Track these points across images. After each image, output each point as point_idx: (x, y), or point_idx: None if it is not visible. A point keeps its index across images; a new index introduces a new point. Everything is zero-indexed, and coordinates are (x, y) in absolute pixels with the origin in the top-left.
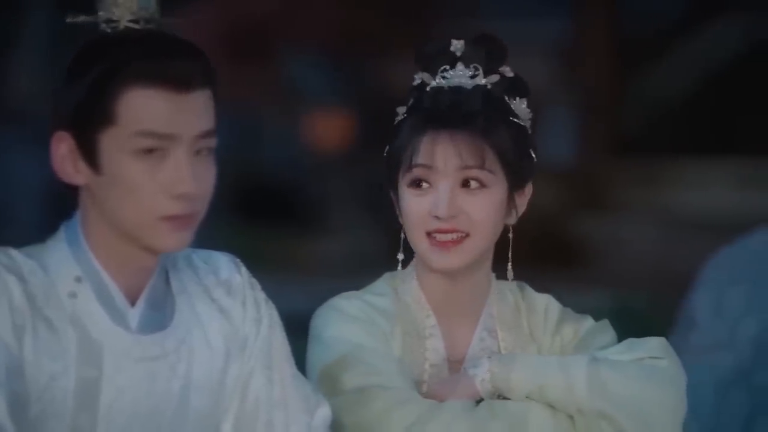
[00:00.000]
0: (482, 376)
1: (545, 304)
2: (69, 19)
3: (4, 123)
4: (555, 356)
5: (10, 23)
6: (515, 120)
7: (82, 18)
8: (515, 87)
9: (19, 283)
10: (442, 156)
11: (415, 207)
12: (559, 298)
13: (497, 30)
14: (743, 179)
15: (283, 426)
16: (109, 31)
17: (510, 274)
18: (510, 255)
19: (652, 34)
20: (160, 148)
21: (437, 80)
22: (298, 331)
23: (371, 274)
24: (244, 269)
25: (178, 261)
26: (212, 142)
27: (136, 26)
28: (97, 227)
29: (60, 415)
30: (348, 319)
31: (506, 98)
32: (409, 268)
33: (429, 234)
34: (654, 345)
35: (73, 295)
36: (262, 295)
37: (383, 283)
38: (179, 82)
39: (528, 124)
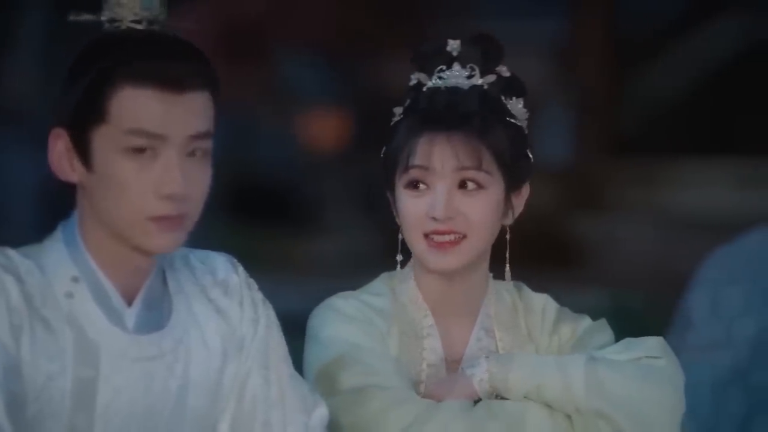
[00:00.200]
0: (480, 376)
1: (542, 303)
2: (72, 17)
3: (0, 123)
4: (553, 356)
5: (6, 23)
6: (512, 120)
7: (84, 16)
8: (512, 87)
9: (16, 283)
10: (439, 157)
11: (412, 208)
12: (556, 298)
13: (493, 30)
14: (741, 179)
15: (280, 426)
16: (110, 30)
17: (508, 275)
18: (507, 256)
19: (649, 33)
20: (150, 148)
21: (434, 80)
22: (294, 331)
23: (367, 274)
24: (241, 269)
25: (175, 261)
26: (207, 144)
27: (139, 26)
28: (93, 227)
29: (57, 415)
30: (345, 319)
31: (503, 98)
32: (407, 268)
33: (426, 235)
34: (652, 344)
35: (69, 296)
36: (259, 296)
37: (380, 284)
38: (172, 83)
39: (525, 124)
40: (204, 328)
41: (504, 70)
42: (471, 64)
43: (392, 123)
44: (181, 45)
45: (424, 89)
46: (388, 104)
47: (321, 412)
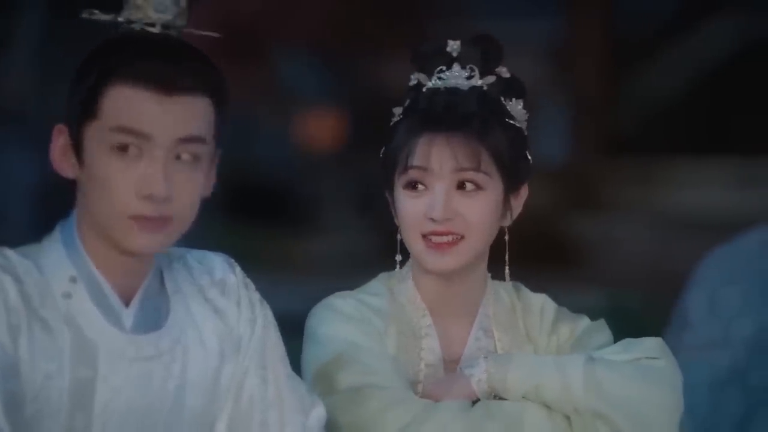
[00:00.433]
0: (479, 376)
1: (541, 303)
2: (84, 15)
3: None
4: (551, 356)
5: (4, 23)
6: (511, 122)
7: (97, 15)
8: (511, 88)
9: (14, 283)
10: (438, 158)
11: (411, 209)
12: (553, 298)
13: (490, 30)
14: (737, 179)
15: (278, 426)
16: (123, 31)
17: (507, 277)
18: (507, 259)
19: (646, 33)
20: (136, 147)
21: (433, 81)
22: (292, 330)
23: (365, 273)
24: (238, 269)
25: (172, 261)
26: (197, 149)
27: (153, 29)
28: (88, 226)
29: (55, 415)
30: (343, 318)
31: (502, 99)
32: (405, 268)
33: (424, 236)
34: (650, 345)
35: (67, 296)
36: (256, 296)
37: (378, 284)
38: (163, 84)
39: (524, 125)
40: (201, 328)
41: (504, 71)
42: (471, 65)
43: (391, 123)
44: (183, 49)
45: (424, 90)
46: (387, 104)
47: (318, 412)
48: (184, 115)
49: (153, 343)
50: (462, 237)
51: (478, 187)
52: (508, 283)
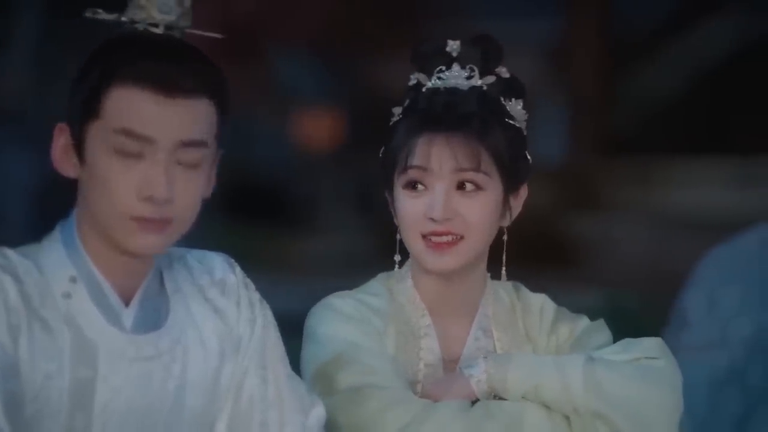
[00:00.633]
0: (478, 376)
1: (540, 303)
2: (88, 15)
3: None
4: (551, 356)
5: (1, 23)
6: (511, 122)
7: (102, 15)
8: (511, 88)
9: (14, 283)
10: (438, 158)
11: (410, 209)
12: (553, 298)
13: (489, 30)
14: (736, 178)
15: (278, 426)
16: (125, 31)
17: (504, 277)
18: (504, 259)
19: (643, 33)
20: (138, 149)
21: (433, 81)
22: (291, 330)
23: (364, 273)
24: (238, 269)
25: (172, 261)
26: (198, 152)
27: (156, 30)
28: (89, 226)
29: (55, 414)
30: (343, 318)
31: (502, 99)
32: (404, 268)
33: (424, 236)
34: (650, 345)
35: (67, 296)
36: (256, 296)
37: (377, 283)
38: (166, 86)
39: (524, 125)
40: (201, 328)
41: (504, 71)
42: (470, 65)
43: (391, 123)
44: (185, 50)
45: (424, 90)
46: (385, 104)
47: (318, 412)
48: (186, 118)
49: (153, 343)
50: (462, 237)
51: (478, 187)
52: (507, 283)
